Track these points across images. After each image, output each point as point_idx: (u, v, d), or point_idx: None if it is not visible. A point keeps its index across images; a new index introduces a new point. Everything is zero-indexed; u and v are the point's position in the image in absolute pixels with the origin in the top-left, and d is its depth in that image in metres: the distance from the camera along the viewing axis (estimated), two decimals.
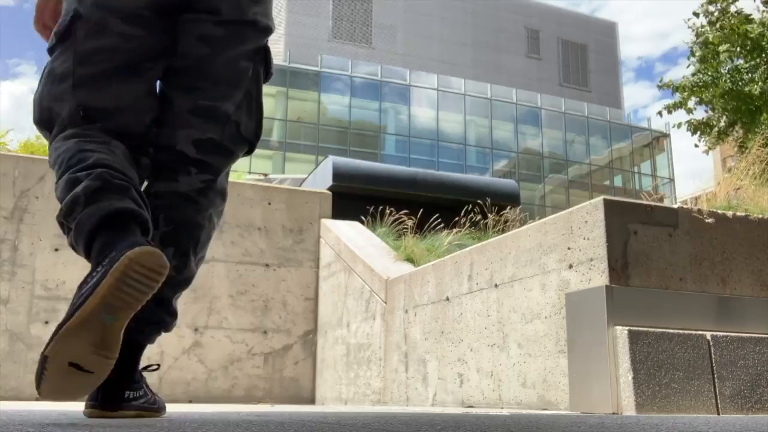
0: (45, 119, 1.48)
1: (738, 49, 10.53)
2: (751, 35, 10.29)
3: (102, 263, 1.12)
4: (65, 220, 1.26)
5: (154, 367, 1.63)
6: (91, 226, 1.19)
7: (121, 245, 1.12)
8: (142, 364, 1.58)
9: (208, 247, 1.62)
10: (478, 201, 6.36)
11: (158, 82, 1.57)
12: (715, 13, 11.02)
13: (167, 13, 1.49)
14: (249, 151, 1.63)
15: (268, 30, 1.57)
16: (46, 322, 5.54)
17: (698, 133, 11.78)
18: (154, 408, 1.54)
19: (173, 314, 1.54)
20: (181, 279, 1.52)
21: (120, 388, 1.43)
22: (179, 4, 1.49)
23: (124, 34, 1.45)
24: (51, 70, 1.48)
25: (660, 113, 11.80)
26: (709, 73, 10.81)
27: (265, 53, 1.59)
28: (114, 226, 1.19)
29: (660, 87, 11.62)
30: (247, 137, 1.59)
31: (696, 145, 12.06)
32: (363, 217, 6.42)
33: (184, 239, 1.50)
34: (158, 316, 1.49)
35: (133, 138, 1.49)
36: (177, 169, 1.53)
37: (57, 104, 1.45)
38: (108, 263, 1.10)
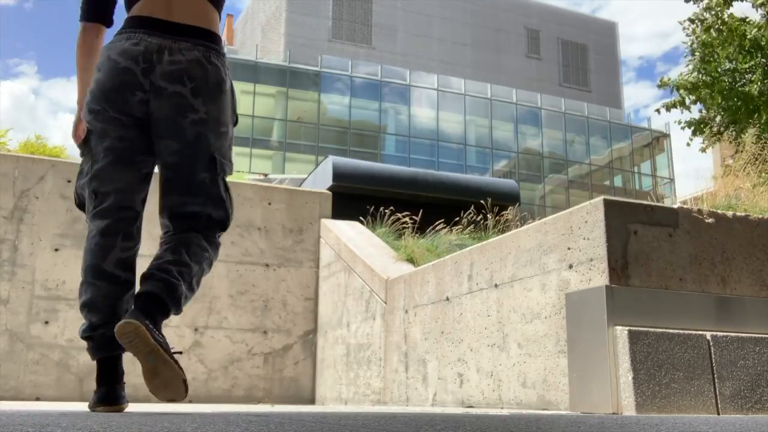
0: (79, 203, 2.20)
1: (737, 49, 10.51)
2: (749, 36, 10.27)
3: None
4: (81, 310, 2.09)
5: (178, 350, 1.99)
6: (97, 352, 2.07)
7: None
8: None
9: (204, 262, 2.13)
10: (478, 201, 6.35)
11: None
12: (709, 19, 11.01)
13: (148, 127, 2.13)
14: (224, 228, 2.21)
15: (213, 146, 2.13)
16: (46, 322, 5.54)
17: (696, 131, 11.78)
18: (179, 366, 1.90)
19: (176, 278, 1.99)
20: (177, 260, 2.03)
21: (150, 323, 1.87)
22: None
23: (119, 137, 2.09)
24: (80, 170, 2.18)
25: (658, 111, 11.81)
26: (709, 73, 10.80)
27: (214, 162, 2.14)
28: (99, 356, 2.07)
29: (660, 86, 11.61)
30: (218, 221, 2.18)
31: (688, 144, 12.07)
32: (363, 217, 6.42)
33: (175, 245, 2.09)
34: (163, 271, 1.99)
35: (128, 210, 2.12)
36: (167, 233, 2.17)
37: (83, 191, 2.15)
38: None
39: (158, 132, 2.10)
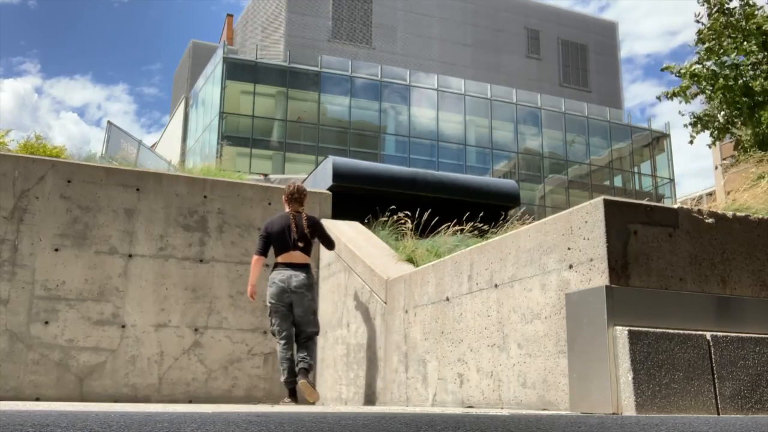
0: (272, 334, 5.23)
1: (745, 43, 10.44)
2: (763, 27, 10.17)
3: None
4: (281, 372, 5.12)
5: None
6: (288, 386, 5.06)
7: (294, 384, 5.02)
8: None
9: (313, 351, 5.07)
10: (478, 201, 6.34)
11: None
12: (716, 5, 10.95)
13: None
14: (317, 335, 5.16)
15: (312, 307, 5.11)
16: (46, 322, 5.54)
17: (700, 127, 11.74)
18: (317, 393, 4.91)
19: (309, 362, 4.94)
20: (307, 355, 4.91)
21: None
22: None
23: (282, 311, 5.04)
24: (269, 320, 5.14)
25: (659, 98, 11.78)
26: (714, 65, 10.71)
27: (314, 312, 5.14)
28: (289, 387, 5.05)
29: (663, 70, 11.53)
30: (316, 332, 5.10)
31: (690, 141, 12.03)
32: (363, 218, 6.41)
33: (304, 347, 5.02)
34: (304, 361, 4.92)
35: (288, 335, 5.05)
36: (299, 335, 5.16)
37: (274, 325, 5.12)
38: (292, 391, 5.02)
39: (295, 305, 4.98)
